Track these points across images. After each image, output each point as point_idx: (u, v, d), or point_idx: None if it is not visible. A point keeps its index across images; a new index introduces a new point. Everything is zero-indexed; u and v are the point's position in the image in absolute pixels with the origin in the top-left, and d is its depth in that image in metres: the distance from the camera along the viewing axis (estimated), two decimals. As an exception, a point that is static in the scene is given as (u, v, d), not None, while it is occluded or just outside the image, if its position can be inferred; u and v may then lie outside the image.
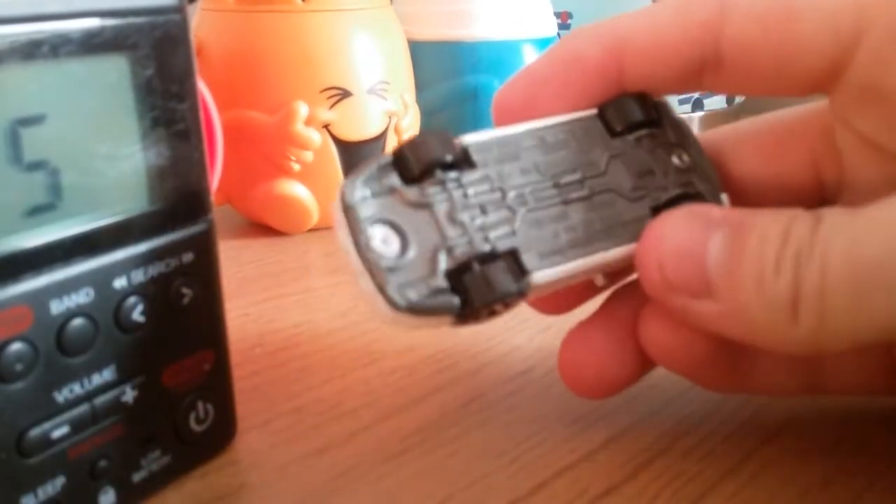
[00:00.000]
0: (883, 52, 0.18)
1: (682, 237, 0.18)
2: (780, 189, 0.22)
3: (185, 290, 0.20)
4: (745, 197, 0.22)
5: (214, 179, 0.33)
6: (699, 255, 0.18)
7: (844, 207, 0.17)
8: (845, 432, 0.23)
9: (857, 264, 0.16)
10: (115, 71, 0.18)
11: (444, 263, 0.18)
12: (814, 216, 0.17)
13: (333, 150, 0.39)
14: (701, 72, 0.21)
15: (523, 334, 0.29)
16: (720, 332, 0.19)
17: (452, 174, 0.19)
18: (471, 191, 0.19)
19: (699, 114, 0.54)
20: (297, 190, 0.39)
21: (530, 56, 0.47)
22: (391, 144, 0.40)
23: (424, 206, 0.18)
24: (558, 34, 0.50)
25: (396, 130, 0.40)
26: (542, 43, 0.48)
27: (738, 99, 0.57)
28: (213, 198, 0.21)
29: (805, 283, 0.17)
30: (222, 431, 0.22)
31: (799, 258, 0.17)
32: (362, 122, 0.39)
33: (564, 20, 0.54)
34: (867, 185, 0.21)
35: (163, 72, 0.19)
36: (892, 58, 0.18)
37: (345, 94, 0.38)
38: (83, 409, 0.18)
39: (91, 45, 0.17)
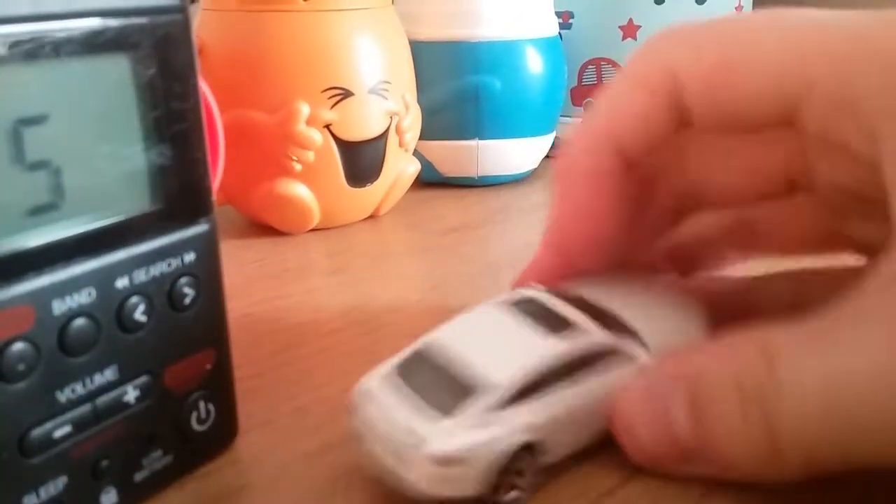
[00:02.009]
0: (829, 111, 0.18)
1: (646, 418, 0.19)
2: (751, 179, 0.23)
3: (187, 290, 0.20)
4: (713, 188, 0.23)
5: (216, 179, 0.33)
6: (668, 432, 0.19)
7: (792, 330, 0.17)
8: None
9: (833, 398, 0.16)
10: (117, 70, 0.18)
11: None
12: (765, 357, 0.17)
13: (335, 149, 0.39)
14: (680, 129, 0.22)
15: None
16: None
17: None
18: None
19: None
20: (298, 190, 0.39)
21: (532, 56, 0.47)
22: (392, 144, 0.40)
23: None
24: (559, 34, 0.50)
25: (398, 130, 0.40)
26: (544, 43, 0.48)
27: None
28: (214, 197, 0.21)
29: (781, 429, 0.16)
30: (224, 431, 0.22)
31: (763, 405, 0.17)
32: (363, 121, 0.39)
33: (566, 20, 0.53)
34: (835, 185, 0.21)
35: (165, 71, 0.19)
36: (839, 115, 0.18)
37: (346, 93, 0.38)
38: (85, 408, 0.18)
39: (93, 44, 0.17)
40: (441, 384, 0.19)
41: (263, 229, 0.41)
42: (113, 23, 0.18)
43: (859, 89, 0.17)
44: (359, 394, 0.20)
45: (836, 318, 0.16)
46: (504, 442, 0.19)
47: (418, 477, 0.18)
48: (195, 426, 0.21)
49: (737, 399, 0.17)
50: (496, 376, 0.19)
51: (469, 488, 0.18)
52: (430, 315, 0.31)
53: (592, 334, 0.21)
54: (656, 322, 0.22)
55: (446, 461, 0.18)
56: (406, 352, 0.21)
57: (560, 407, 0.20)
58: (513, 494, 0.19)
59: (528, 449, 0.19)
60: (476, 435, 0.18)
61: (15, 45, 0.16)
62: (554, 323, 0.21)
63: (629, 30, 0.53)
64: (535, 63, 0.47)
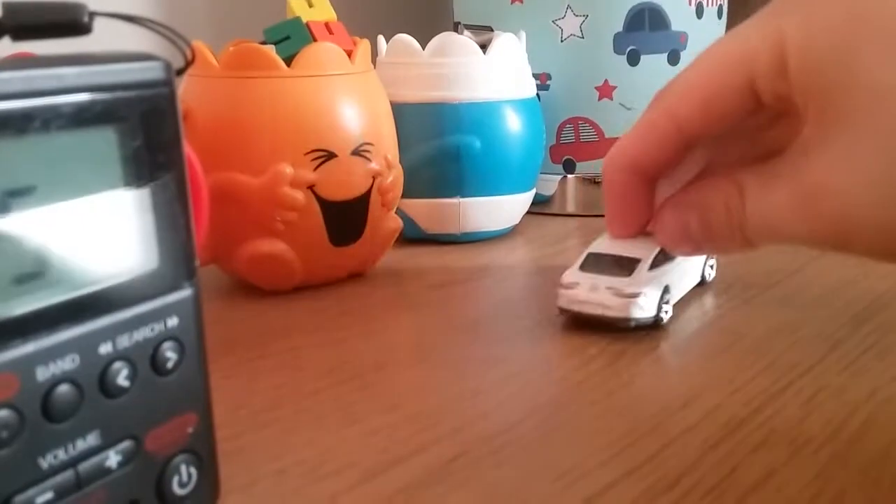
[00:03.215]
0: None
1: (674, 226, 0.30)
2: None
3: (170, 354, 0.20)
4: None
5: (200, 240, 0.33)
6: (687, 235, 0.30)
7: (755, 171, 0.27)
8: (822, 486, 0.23)
9: (771, 220, 0.27)
10: (103, 142, 0.19)
11: None
12: (738, 191, 0.27)
13: (318, 209, 0.39)
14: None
15: (506, 391, 0.29)
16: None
17: None
18: None
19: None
20: (281, 249, 0.39)
21: (511, 116, 0.48)
22: (375, 203, 0.41)
23: None
24: (537, 95, 0.51)
25: (380, 190, 0.41)
26: (523, 103, 0.49)
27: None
28: (198, 258, 0.21)
29: (751, 235, 0.27)
30: (205, 494, 0.22)
31: (740, 220, 0.27)
32: (346, 182, 0.40)
33: (543, 81, 0.55)
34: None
35: (150, 142, 0.19)
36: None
37: (329, 155, 0.39)
38: (67, 474, 0.18)
39: (81, 118, 0.18)
40: (612, 265, 0.35)
41: (247, 288, 0.41)
42: (101, 97, 0.18)
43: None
44: (569, 280, 0.35)
45: (777, 167, 0.26)
46: (659, 285, 0.35)
47: (623, 307, 0.34)
48: (176, 490, 0.21)
49: (725, 218, 0.28)
50: (642, 255, 0.35)
51: (647, 311, 0.34)
52: (414, 373, 0.32)
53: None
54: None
55: (637, 295, 0.34)
56: (580, 259, 0.36)
57: (671, 269, 0.36)
58: (666, 311, 0.35)
59: (666, 289, 0.35)
60: (648, 282, 0.34)
61: (5, 120, 0.17)
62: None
63: (605, 90, 0.54)
64: (514, 123, 0.48)
